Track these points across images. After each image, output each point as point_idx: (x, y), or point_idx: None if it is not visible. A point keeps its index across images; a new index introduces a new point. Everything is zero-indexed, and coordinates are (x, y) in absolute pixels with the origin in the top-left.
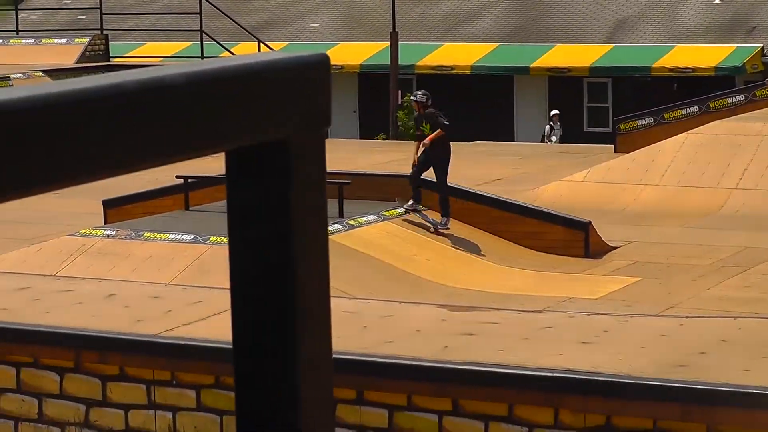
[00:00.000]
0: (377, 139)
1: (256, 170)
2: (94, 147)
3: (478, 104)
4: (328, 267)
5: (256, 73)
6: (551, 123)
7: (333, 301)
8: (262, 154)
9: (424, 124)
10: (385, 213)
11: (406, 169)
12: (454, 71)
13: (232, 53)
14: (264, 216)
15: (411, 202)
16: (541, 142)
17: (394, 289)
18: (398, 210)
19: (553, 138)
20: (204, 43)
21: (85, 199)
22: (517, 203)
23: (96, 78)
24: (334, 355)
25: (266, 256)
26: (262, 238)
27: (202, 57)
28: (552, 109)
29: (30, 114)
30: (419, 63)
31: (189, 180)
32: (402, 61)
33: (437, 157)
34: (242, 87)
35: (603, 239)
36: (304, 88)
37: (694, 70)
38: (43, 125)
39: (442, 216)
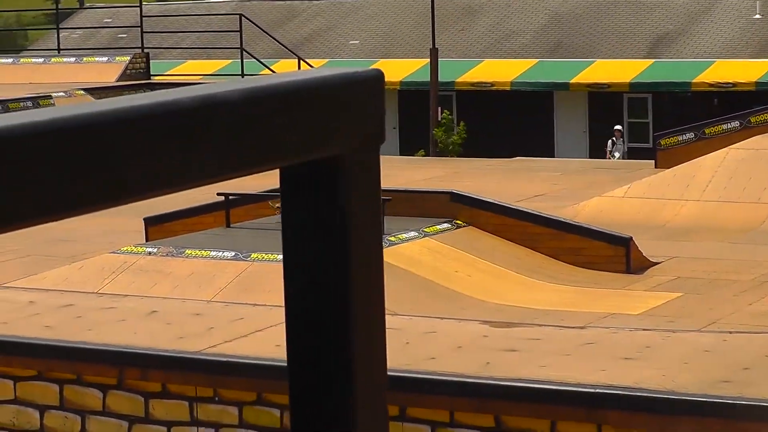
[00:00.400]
0: (416, 155)
1: (310, 187)
2: (150, 164)
3: (518, 120)
4: (383, 283)
5: (310, 90)
6: (613, 138)
7: None
8: (316, 170)
9: None
10: (425, 229)
11: (446, 185)
12: (493, 87)
13: (273, 71)
14: (319, 233)
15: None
16: (604, 158)
17: (436, 305)
18: (438, 227)
19: (616, 154)
20: (244, 60)
21: (125, 218)
22: (558, 219)
23: (151, 95)
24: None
25: (321, 274)
26: (317, 255)
27: (243, 75)
28: (592, 125)
29: (87, 131)
30: (459, 79)
31: (230, 197)
32: (442, 77)
33: None
34: (297, 103)
35: (644, 255)
36: (359, 105)
37: (734, 85)
38: (100, 143)
39: None
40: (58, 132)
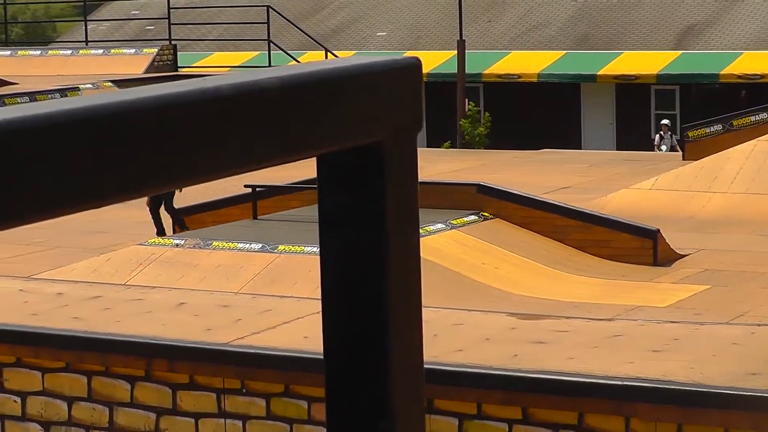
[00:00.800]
0: (442, 147)
1: (348, 175)
2: (190, 152)
3: (545, 112)
4: (420, 273)
5: (349, 77)
6: (661, 132)
7: None
8: (354, 159)
9: None
10: (452, 221)
11: (473, 177)
12: (521, 79)
13: (299, 62)
14: (356, 221)
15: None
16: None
17: (463, 297)
18: (466, 219)
19: (663, 147)
20: (271, 52)
21: None
22: (585, 211)
23: (192, 82)
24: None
25: (358, 263)
26: (354, 244)
27: (270, 66)
28: (619, 116)
29: (126, 119)
30: (486, 71)
31: (257, 189)
32: (469, 69)
33: None
34: (335, 91)
35: (671, 247)
36: (397, 93)
37: (762, 76)
38: (140, 130)
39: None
40: (97, 119)
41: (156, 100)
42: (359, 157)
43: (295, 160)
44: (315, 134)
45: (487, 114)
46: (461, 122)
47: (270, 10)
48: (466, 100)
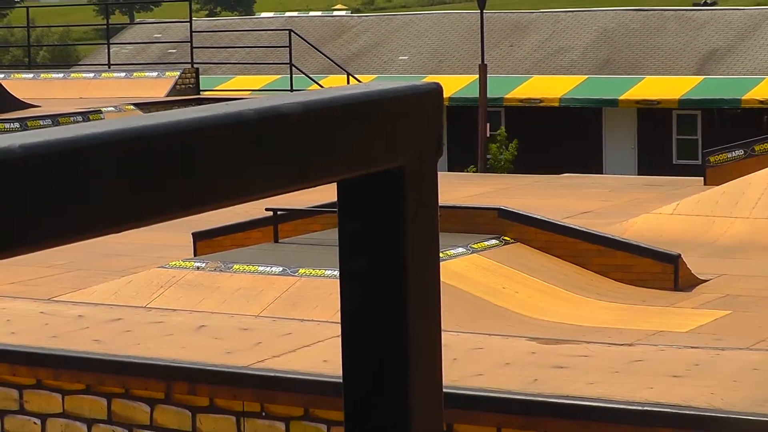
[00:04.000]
0: (467, 171)
1: (368, 200)
2: (213, 176)
3: (567, 136)
4: (439, 298)
5: (369, 103)
6: None
7: None
8: (374, 184)
9: None
10: (473, 246)
11: (496, 202)
12: (542, 104)
13: (321, 86)
14: (376, 246)
15: None
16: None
17: (483, 321)
18: (487, 243)
19: None
20: (293, 76)
21: (174, 232)
22: (606, 236)
23: (215, 107)
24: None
25: (378, 287)
26: (374, 269)
27: (291, 90)
28: (641, 141)
29: (150, 143)
30: (508, 96)
31: (278, 213)
32: (490, 93)
33: None
34: (357, 116)
35: (692, 272)
36: (418, 118)
37: None
38: (163, 154)
39: None
40: (121, 144)
41: (180, 125)
42: (380, 181)
43: (316, 186)
44: (336, 160)
45: (515, 141)
46: (491, 146)
47: (292, 33)
48: (488, 124)
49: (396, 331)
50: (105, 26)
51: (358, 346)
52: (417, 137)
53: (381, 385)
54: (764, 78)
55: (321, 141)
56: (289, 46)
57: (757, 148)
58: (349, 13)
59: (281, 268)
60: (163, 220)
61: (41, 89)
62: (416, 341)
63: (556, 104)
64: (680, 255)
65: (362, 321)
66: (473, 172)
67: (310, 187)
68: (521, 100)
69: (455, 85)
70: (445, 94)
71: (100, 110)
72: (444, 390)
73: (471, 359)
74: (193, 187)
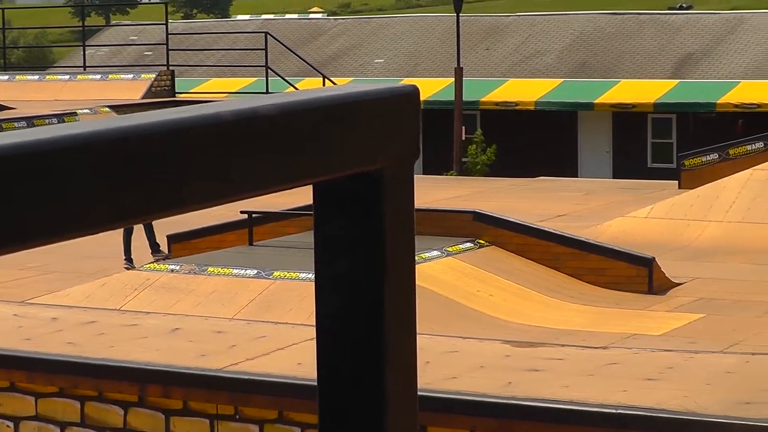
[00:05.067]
0: (446, 175)
1: (344, 203)
2: (190, 177)
3: (542, 140)
4: (415, 302)
5: (346, 105)
6: None
7: None
8: (350, 186)
9: None
10: (448, 249)
11: (471, 205)
12: (518, 107)
13: (297, 89)
14: (352, 249)
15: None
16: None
17: (458, 324)
18: (461, 246)
19: None
20: (269, 78)
21: None
22: (580, 239)
23: (192, 108)
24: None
25: (354, 290)
26: (350, 272)
27: (267, 92)
28: (616, 144)
29: (127, 144)
30: (483, 99)
31: (253, 215)
32: (466, 96)
33: None
34: (333, 118)
35: (667, 275)
36: (395, 120)
37: (759, 105)
38: (139, 155)
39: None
40: (97, 145)
41: (157, 126)
42: (356, 184)
43: (293, 188)
44: (313, 162)
45: (494, 146)
46: (469, 147)
47: (268, 36)
48: (464, 127)
49: (372, 335)
50: (81, 28)
51: (333, 349)
52: (394, 140)
53: (356, 387)
54: (739, 82)
55: (297, 143)
56: (265, 49)
57: (731, 152)
58: (325, 15)
59: (256, 271)
60: (140, 221)
61: (16, 91)
62: (392, 345)
63: (532, 107)
64: (654, 258)
65: (338, 324)
66: (453, 176)
67: (287, 189)
68: (497, 104)
69: (431, 88)
70: (421, 97)
71: (75, 112)
72: (418, 393)
73: (445, 362)
74: (170, 189)
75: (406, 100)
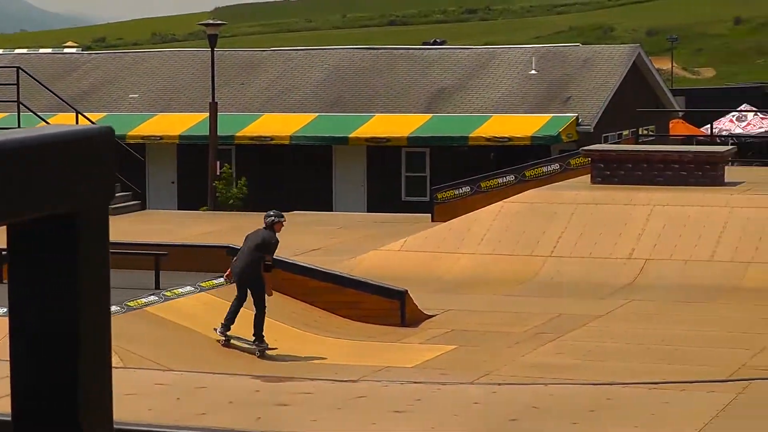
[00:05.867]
0: (201, 210)
1: (39, 244)
2: None
3: (298, 174)
4: (110, 335)
5: (38, 146)
6: None
7: (147, 374)
8: (45, 227)
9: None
10: (201, 284)
11: (226, 240)
12: (273, 141)
13: (48, 123)
14: (46, 288)
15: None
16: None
17: (209, 359)
18: (215, 281)
19: None
20: (21, 114)
21: None
22: (333, 273)
23: None
24: (146, 428)
25: (49, 329)
26: (45, 310)
27: (19, 128)
28: (370, 178)
29: None
30: (238, 133)
31: None
32: (221, 131)
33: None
34: (25, 160)
35: (419, 308)
36: (89, 162)
37: (510, 139)
38: None
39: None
40: None
41: None
42: (51, 225)
43: None
44: (4, 203)
45: (244, 179)
46: (215, 183)
47: (20, 71)
48: (218, 162)
49: (67, 374)
50: None
51: (28, 391)
52: (86, 181)
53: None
54: (491, 116)
55: None
56: (17, 84)
57: (483, 184)
58: (79, 50)
59: None
60: None
61: None
62: (86, 388)
63: (287, 142)
64: (407, 291)
65: (32, 364)
66: (206, 211)
67: None
68: (252, 138)
69: (186, 123)
70: (176, 132)
71: None
72: (166, 431)
73: (194, 398)
74: None
75: (99, 141)
